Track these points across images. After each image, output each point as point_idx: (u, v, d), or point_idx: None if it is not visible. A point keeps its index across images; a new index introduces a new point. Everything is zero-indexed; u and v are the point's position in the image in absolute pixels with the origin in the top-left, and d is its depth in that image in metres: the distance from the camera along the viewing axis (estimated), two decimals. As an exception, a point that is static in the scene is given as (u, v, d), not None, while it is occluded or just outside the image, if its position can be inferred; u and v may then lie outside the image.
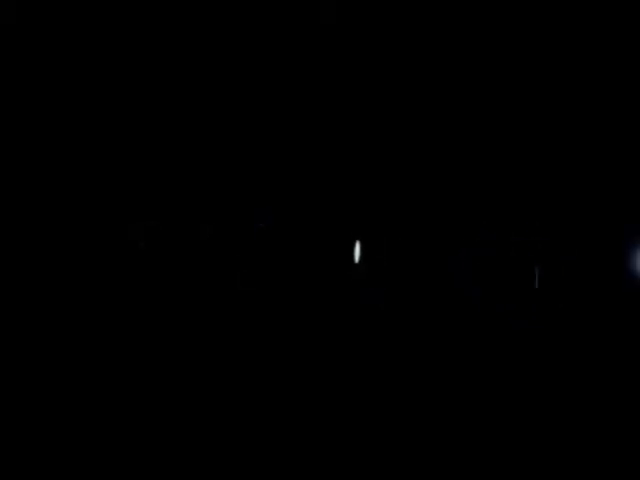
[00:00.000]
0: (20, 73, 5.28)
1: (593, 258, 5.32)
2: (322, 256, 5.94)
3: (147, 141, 5.95)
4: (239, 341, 5.94)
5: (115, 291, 5.89)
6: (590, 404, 5.32)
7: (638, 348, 5.33)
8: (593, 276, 5.32)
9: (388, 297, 5.77)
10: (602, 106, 5.39)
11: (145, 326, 5.95)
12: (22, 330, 5.68)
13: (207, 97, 5.98)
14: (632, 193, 5.32)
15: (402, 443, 5.49)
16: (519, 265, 5.49)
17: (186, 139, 5.99)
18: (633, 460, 4.99)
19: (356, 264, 5.85)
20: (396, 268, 5.83)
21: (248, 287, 5.98)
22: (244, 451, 5.55)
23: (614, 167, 5.35)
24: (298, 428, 5.64)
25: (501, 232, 5.49)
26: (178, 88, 5.92)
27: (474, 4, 5.50)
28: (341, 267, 5.91)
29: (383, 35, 5.70)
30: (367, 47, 5.74)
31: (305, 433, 5.62)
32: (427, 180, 5.81)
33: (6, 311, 5.60)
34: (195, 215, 6.03)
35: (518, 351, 5.48)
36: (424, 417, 5.53)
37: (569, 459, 5.05)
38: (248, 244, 6.01)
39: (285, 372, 5.80)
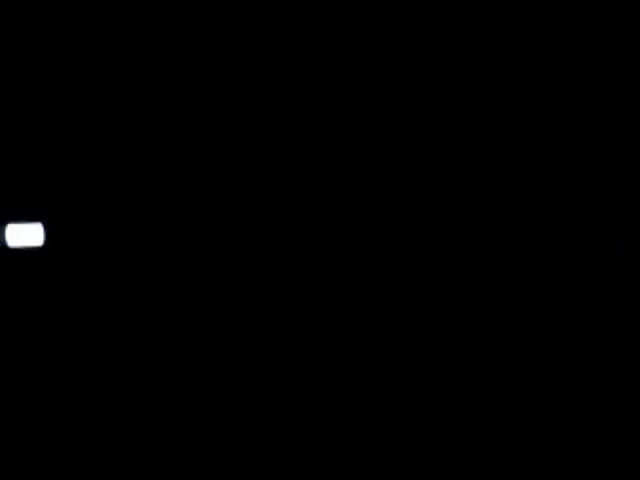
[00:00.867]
0: (20, 73, 5.27)
1: None
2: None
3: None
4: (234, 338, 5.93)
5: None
6: None
7: None
8: None
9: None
10: None
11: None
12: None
13: (207, 97, 5.97)
14: None
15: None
16: None
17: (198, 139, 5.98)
18: None
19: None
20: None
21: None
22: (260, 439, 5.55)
23: None
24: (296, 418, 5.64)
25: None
26: (180, 88, 5.91)
27: (474, 4, 5.49)
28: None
29: (383, 35, 5.69)
30: (367, 47, 5.74)
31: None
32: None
33: None
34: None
35: None
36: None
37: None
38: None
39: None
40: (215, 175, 6.07)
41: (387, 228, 5.84)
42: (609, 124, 5.43)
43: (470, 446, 5.42)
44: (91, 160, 5.76)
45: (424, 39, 5.65)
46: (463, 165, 5.75)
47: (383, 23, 5.65)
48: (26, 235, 5.13)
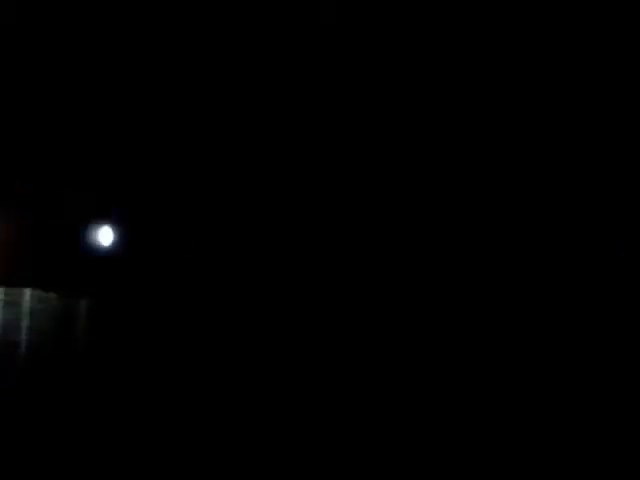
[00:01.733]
0: (20, 72, 5.27)
1: None
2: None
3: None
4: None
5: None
6: None
7: None
8: None
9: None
10: None
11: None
12: None
13: (207, 97, 5.98)
14: None
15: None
16: None
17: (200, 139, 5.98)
18: None
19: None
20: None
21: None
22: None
23: None
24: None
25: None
26: (180, 88, 5.92)
27: (474, 4, 5.50)
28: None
29: (383, 35, 5.69)
30: (367, 47, 5.74)
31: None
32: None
33: None
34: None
35: None
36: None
37: None
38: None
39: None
40: (215, 175, 6.08)
41: (387, 228, 5.85)
42: (609, 124, 5.43)
43: (470, 446, 5.43)
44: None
45: (424, 39, 5.66)
46: (463, 165, 5.75)
47: (383, 23, 5.66)
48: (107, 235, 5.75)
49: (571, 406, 5.29)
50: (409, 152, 5.84)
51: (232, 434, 5.71)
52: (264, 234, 6.00)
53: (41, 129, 5.58)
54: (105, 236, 5.45)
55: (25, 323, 5.12)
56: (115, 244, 5.51)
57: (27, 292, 5.09)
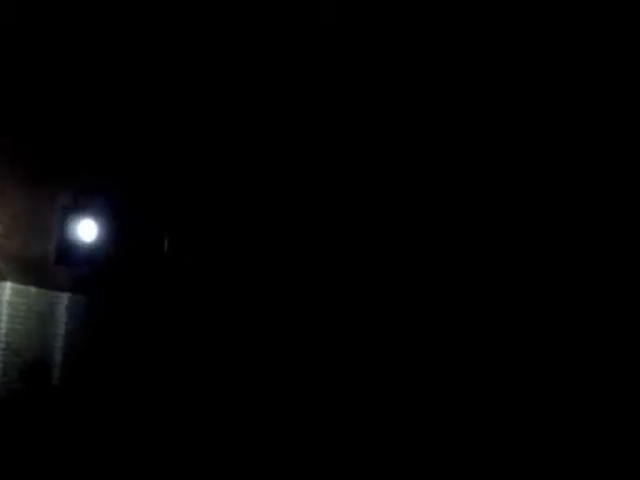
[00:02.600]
0: (20, 72, 5.27)
1: None
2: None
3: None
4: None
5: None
6: None
7: None
8: None
9: None
10: None
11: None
12: None
13: (207, 97, 5.98)
14: None
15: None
16: None
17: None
18: None
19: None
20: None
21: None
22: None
23: None
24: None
25: None
26: (180, 88, 5.92)
27: (474, 3, 5.49)
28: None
29: (382, 35, 5.69)
30: (366, 47, 5.74)
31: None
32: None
33: None
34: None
35: None
36: None
37: None
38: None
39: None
40: (215, 175, 6.08)
41: (387, 228, 5.85)
42: (609, 124, 5.43)
43: (470, 445, 5.44)
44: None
45: (424, 39, 5.66)
46: (463, 165, 5.76)
47: (383, 23, 5.66)
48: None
49: (571, 406, 5.30)
50: (409, 152, 5.84)
51: (232, 434, 5.71)
52: (264, 234, 6.01)
53: (41, 129, 5.59)
54: (88, 231, 5.29)
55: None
56: (100, 239, 5.39)
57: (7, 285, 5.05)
